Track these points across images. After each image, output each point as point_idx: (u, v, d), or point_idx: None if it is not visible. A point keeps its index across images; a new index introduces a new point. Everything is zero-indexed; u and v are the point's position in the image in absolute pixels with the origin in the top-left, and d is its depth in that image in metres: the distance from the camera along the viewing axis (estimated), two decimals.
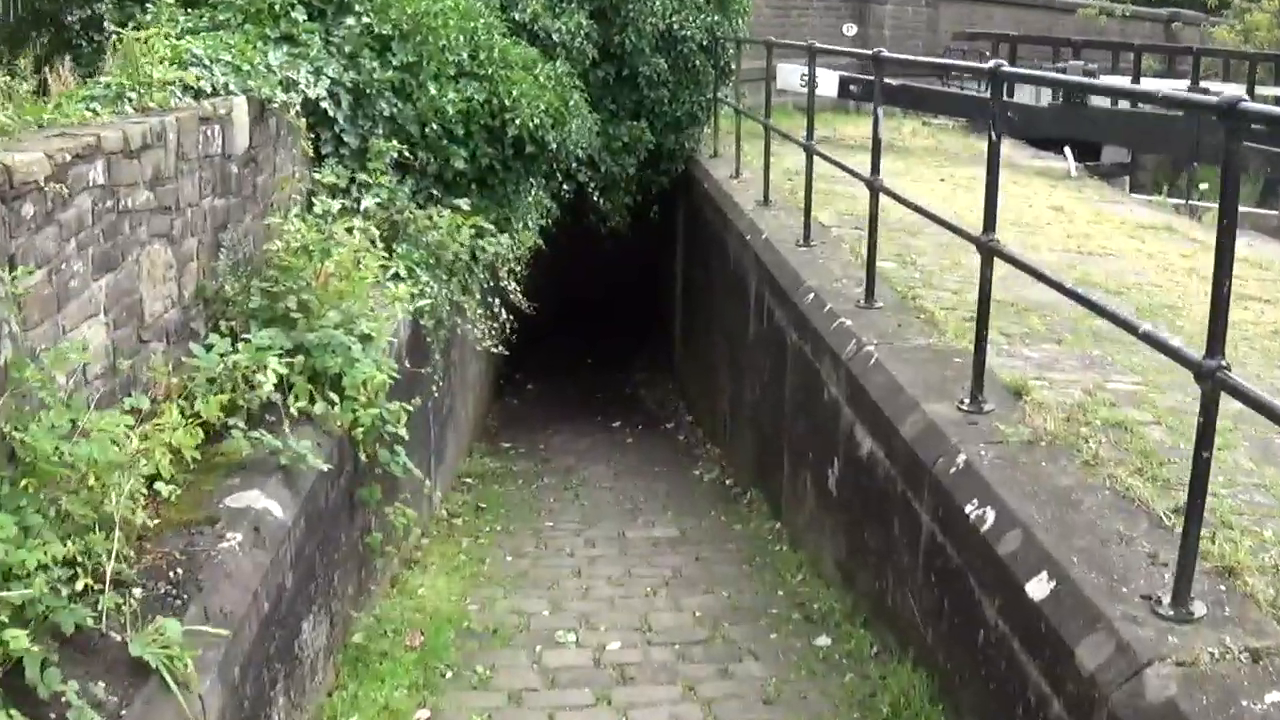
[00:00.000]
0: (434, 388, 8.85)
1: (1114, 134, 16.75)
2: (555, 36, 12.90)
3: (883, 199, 7.82)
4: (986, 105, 15.09)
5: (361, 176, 8.35)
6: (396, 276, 8.28)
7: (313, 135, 8.08)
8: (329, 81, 8.04)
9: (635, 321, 19.53)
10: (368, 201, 7.77)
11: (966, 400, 6.13)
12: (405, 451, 6.63)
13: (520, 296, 11.08)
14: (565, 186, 13.53)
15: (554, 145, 10.63)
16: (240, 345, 5.50)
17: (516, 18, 12.41)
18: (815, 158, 9.88)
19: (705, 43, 14.96)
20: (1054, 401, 6.15)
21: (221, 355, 5.30)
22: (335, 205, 6.96)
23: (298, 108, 7.48)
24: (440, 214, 9.00)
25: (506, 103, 10.13)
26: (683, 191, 15.54)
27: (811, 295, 8.47)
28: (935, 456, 5.70)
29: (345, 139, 8.30)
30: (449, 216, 8.90)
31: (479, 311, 9.59)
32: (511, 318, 10.22)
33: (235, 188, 6.54)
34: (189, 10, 7.97)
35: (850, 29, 22.35)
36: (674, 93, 14.88)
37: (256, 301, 6.13)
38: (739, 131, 13.70)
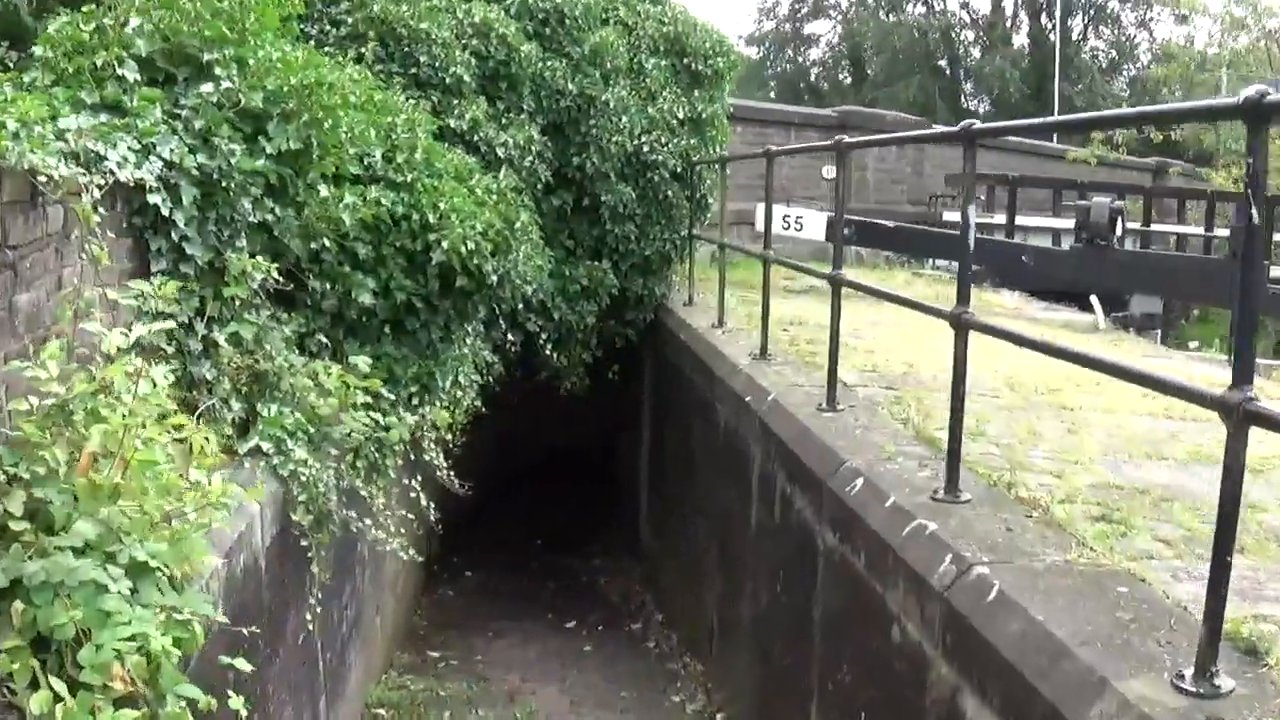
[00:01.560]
0: (311, 611, 6.07)
1: (1146, 281, 14.37)
2: (500, 152, 10.43)
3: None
4: (998, 250, 12.01)
5: (212, 305, 5.70)
6: (257, 452, 5.61)
7: (137, 237, 5.45)
8: (161, 165, 5.41)
9: (592, 494, 16.77)
10: (145, 329, 4.90)
11: (1188, 671, 3.49)
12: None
13: (449, 476, 8.44)
14: (510, 336, 10.96)
15: (494, 278, 8.03)
16: None
17: (452, 125, 9.91)
18: (822, 297, 7.32)
19: (679, 170, 12.57)
20: None
21: None
22: (121, 339, 4.16)
23: (96, 196, 4.81)
24: (329, 370, 6.35)
25: (431, 218, 7.57)
26: (651, 345, 12.98)
27: (860, 482, 5.81)
28: None
29: (188, 249, 5.62)
30: (336, 375, 6.27)
31: (385, 501, 6.90)
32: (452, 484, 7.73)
33: None
34: None
35: (830, 171, 20.14)
36: (642, 228, 12.45)
37: None
38: (723, 272, 11.18)
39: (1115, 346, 12.13)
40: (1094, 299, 15.02)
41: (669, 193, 12.54)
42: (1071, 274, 15.30)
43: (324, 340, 7.21)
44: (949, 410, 5.47)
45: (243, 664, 4.06)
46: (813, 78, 61.29)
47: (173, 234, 5.54)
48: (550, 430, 17.67)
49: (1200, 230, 21.51)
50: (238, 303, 5.87)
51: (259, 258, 5.99)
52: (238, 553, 4.76)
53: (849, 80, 58.85)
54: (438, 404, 7.99)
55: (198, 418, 5.30)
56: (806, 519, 6.49)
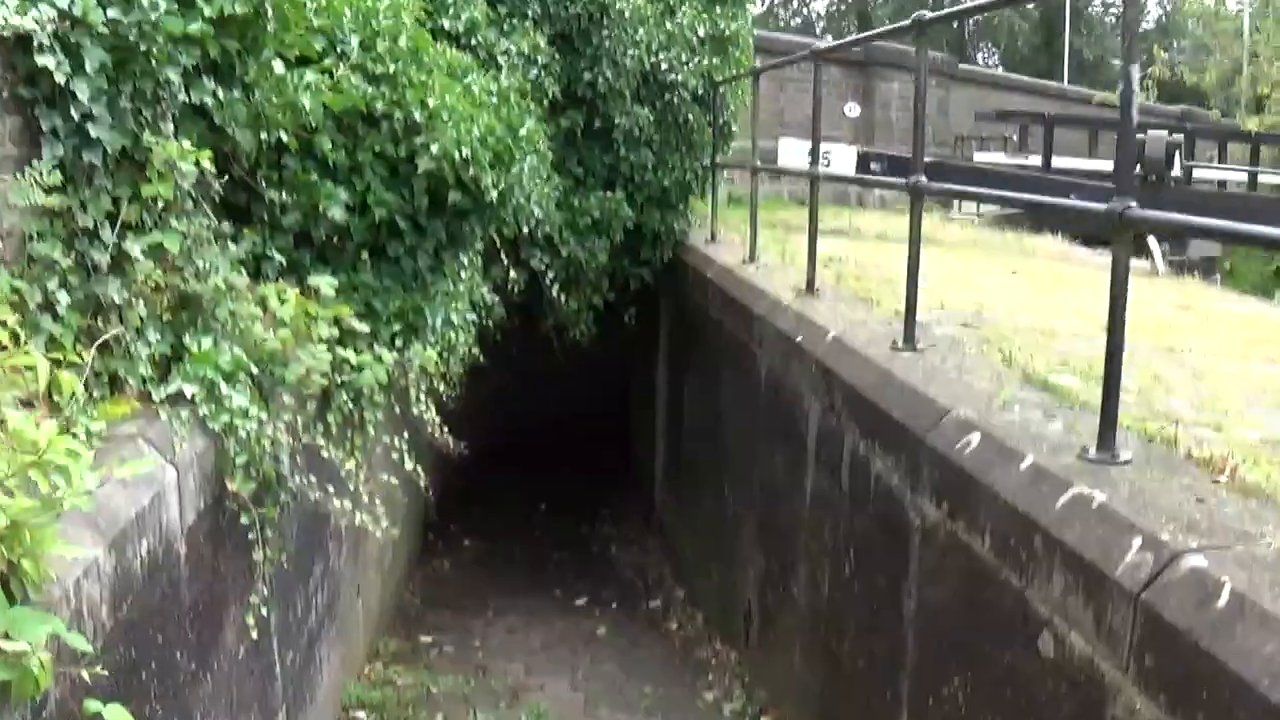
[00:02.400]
0: (255, 609, 4.67)
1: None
2: (502, 60, 8.96)
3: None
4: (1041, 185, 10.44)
5: (128, 208, 4.29)
6: (180, 398, 4.21)
7: (27, 114, 4.03)
8: (54, 14, 3.97)
9: (602, 455, 15.38)
10: None
11: None
12: None
13: (442, 432, 7.10)
14: (513, 274, 9.56)
15: (494, 194, 6.61)
16: None
17: (446, 26, 8.43)
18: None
19: (700, 92, 11.11)
20: None
21: None
22: None
23: None
24: (283, 295, 4.96)
25: (417, 117, 6.14)
26: (669, 289, 11.56)
27: (975, 437, 4.40)
28: None
29: (93, 131, 4.17)
30: (294, 301, 4.88)
31: (360, 463, 5.55)
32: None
33: None
34: None
35: (853, 109, 18.69)
36: (660, 155, 11.00)
37: None
38: (755, 199, 9.74)
39: (1182, 291, 10.71)
40: (1152, 241, 13.58)
41: (689, 116, 11.08)
42: None
43: (283, 264, 5.81)
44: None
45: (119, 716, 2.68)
46: (818, 30, 59.57)
47: (73, 110, 4.10)
48: (555, 385, 16.26)
49: (1242, 173, 20.18)
50: (161, 205, 4.45)
51: (197, 148, 4.57)
52: (134, 539, 3.35)
53: (856, 33, 57.12)
54: (425, 346, 6.58)
55: (96, 353, 3.91)
56: (891, 486, 5.09)
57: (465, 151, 6.31)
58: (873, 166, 14.65)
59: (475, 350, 9.68)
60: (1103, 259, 14.09)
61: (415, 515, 11.37)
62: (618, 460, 14.97)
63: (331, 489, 5.26)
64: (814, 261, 7.71)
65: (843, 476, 5.79)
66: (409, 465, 6.72)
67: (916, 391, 5.07)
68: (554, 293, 10.21)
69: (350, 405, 5.99)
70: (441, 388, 8.67)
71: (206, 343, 4.43)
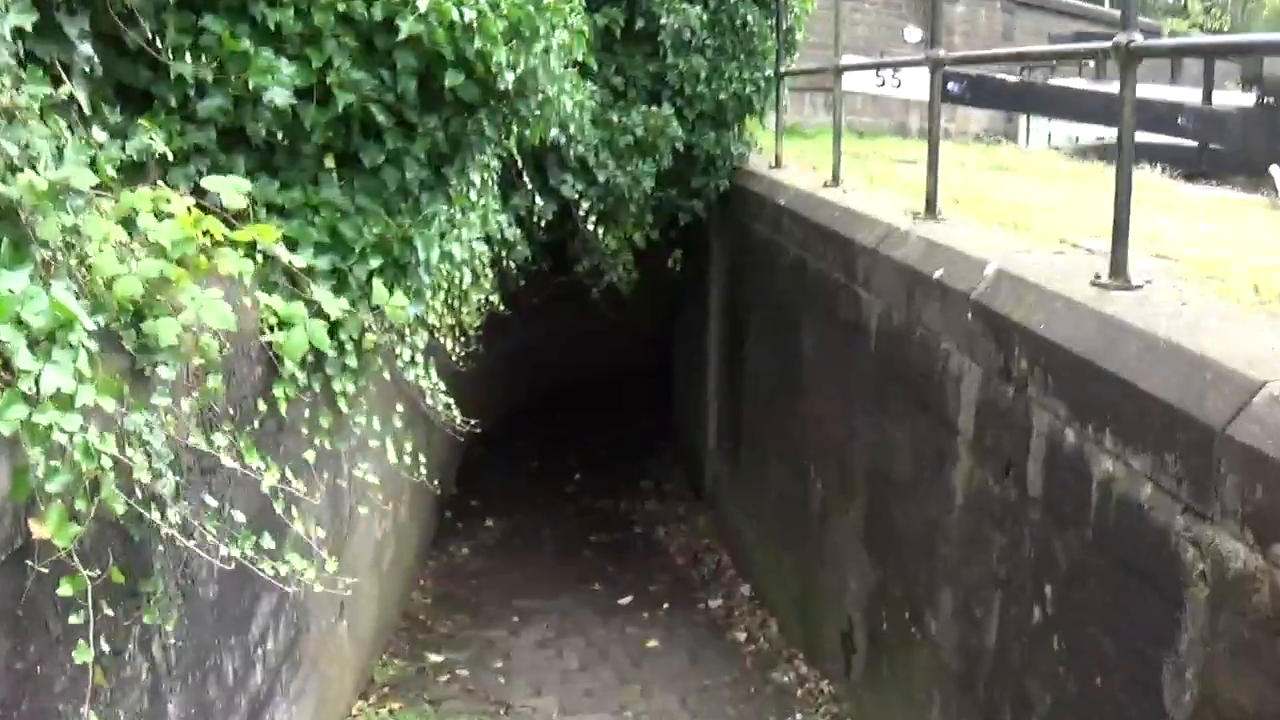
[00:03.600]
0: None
1: None
2: None
3: None
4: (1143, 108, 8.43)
5: None
6: None
7: None
8: None
9: (641, 420, 13.49)
10: None
11: None
12: None
13: (448, 404, 5.30)
14: (539, 204, 7.69)
15: (508, 81, 4.68)
16: None
17: None
18: None
19: None
20: None
21: None
22: None
23: None
24: (165, 203, 3.06)
25: None
26: (725, 224, 9.62)
27: None
28: None
29: None
30: (185, 219, 3.00)
31: (286, 470, 3.68)
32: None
33: None
34: None
35: (913, 33, 16.61)
36: (714, 64, 9.00)
37: None
38: (839, 108, 7.79)
39: None
40: (1275, 170, 11.52)
41: (748, 18, 9.08)
42: (1240, 141, 11.98)
43: (201, 172, 3.93)
44: None
45: None
46: None
47: None
48: (588, 340, 14.41)
49: None
50: None
51: None
52: None
53: None
54: (412, 290, 4.72)
55: None
56: (1139, 502, 3.17)
57: (467, 14, 4.38)
58: (951, 87, 12.64)
59: (494, 298, 7.81)
60: (1208, 193, 11.98)
61: (427, 494, 9.54)
62: (659, 424, 13.07)
63: (244, 517, 3.37)
64: (935, 173, 5.76)
65: (1029, 475, 3.86)
66: (394, 457, 4.88)
67: (1182, 350, 3.13)
68: (589, 227, 8.29)
69: (300, 375, 4.13)
70: (449, 345, 6.82)
71: (15, 280, 2.54)
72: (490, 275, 7.60)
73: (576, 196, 8.23)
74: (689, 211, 9.37)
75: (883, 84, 12.42)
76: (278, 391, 4.19)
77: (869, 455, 5.63)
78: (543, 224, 8.14)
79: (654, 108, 8.69)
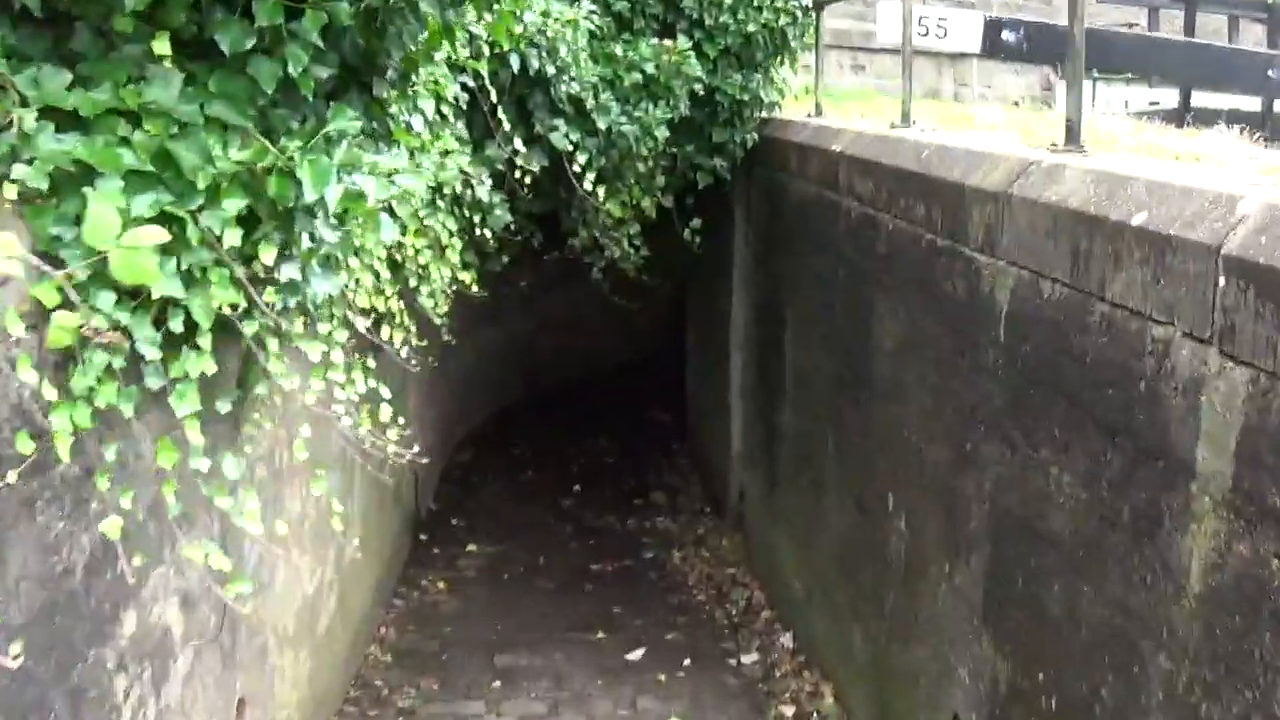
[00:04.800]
0: None
1: None
2: None
3: None
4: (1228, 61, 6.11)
5: None
6: None
7: None
8: None
9: (649, 422, 11.72)
10: None
11: None
12: None
13: (377, 435, 3.45)
14: (521, 151, 5.93)
15: None
16: None
17: None
18: None
19: None
20: None
21: None
22: None
23: None
24: None
25: None
26: (752, 186, 7.83)
27: None
28: None
29: None
30: None
31: None
32: None
33: None
34: None
35: None
36: None
37: None
38: (908, 26, 5.98)
39: None
40: None
41: None
42: None
43: None
44: None
45: None
46: None
47: None
48: (587, 330, 12.64)
49: None
50: None
51: None
52: None
53: None
54: (310, 255, 2.94)
55: None
56: None
57: None
58: (1005, 36, 10.83)
59: (465, 277, 6.03)
60: None
61: (396, 515, 7.77)
62: (671, 423, 11.30)
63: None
64: (1080, 88, 3.96)
65: None
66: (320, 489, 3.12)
67: None
68: (587, 187, 6.49)
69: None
70: (398, 340, 5.03)
71: None
72: (459, 247, 5.81)
73: (570, 148, 6.43)
74: (709, 172, 7.56)
75: (926, 33, 10.57)
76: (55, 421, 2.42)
77: (997, 494, 3.83)
78: (528, 184, 6.36)
79: (667, 41, 6.90)
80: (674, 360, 11.33)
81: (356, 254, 4.02)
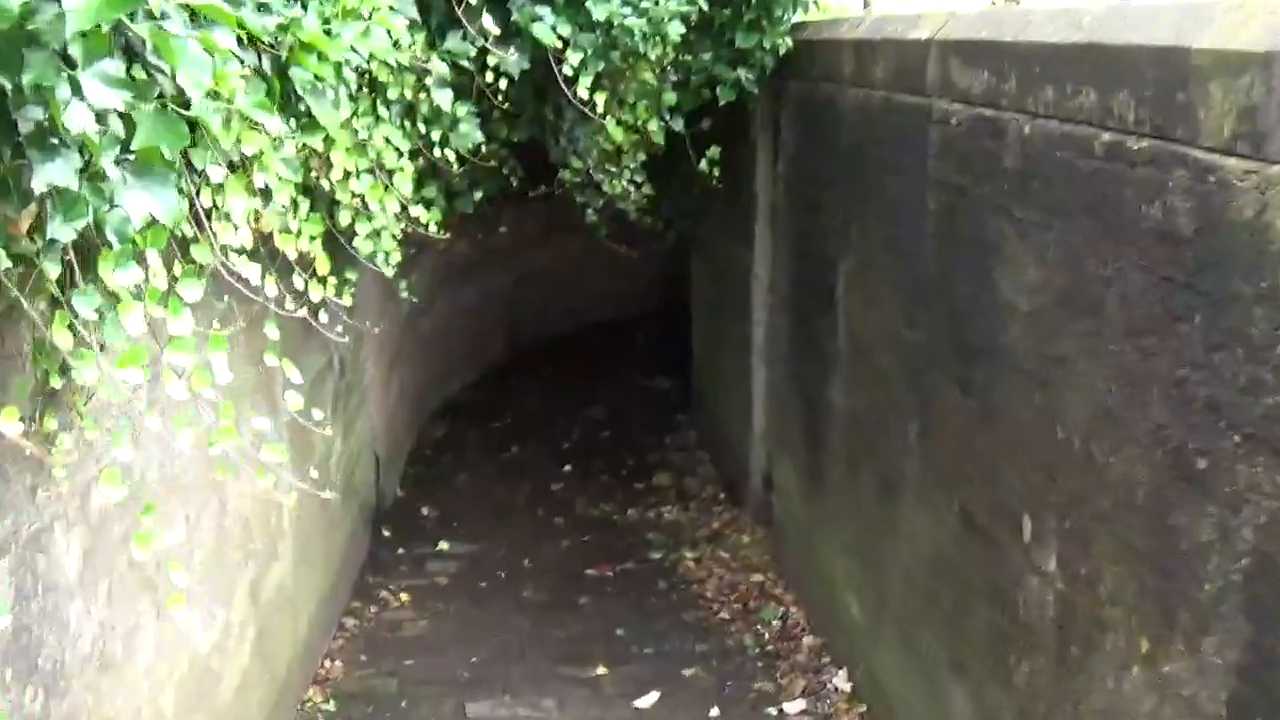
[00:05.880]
0: None
1: None
2: None
3: None
4: None
5: None
6: None
7: None
8: None
9: (652, 376, 10.25)
10: None
11: None
12: None
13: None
14: (493, 28, 4.32)
15: None
16: None
17: None
18: None
19: None
20: None
21: None
22: None
23: None
24: None
25: None
26: (784, 104, 6.28)
27: None
28: None
29: None
30: None
31: None
32: None
33: None
34: None
35: None
36: None
37: None
38: None
39: None
40: None
41: None
42: None
43: None
44: None
45: None
46: None
47: None
48: (577, 283, 11.13)
49: None
50: None
51: None
52: None
53: None
54: None
55: None
56: None
57: None
58: None
59: (422, 214, 4.49)
60: None
61: (348, 511, 6.28)
62: (675, 388, 9.80)
63: None
64: None
65: None
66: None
67: None
68: (582, 95, 4.91)
69: None
70: (307, 292, 3.47)
71: None
72: (410, 173, 4.26)
73: (559, 45, 4.85)
74: (731, 86, 5.97)
75: None
76: None
77: (1264, 544, 2.31)
78: (505, 93, 4.79)
79: None
80: (676, 319, 9.80)
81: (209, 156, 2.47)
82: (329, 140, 3.62)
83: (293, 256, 3.36)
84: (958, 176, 3.83)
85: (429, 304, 8.97)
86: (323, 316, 3.63)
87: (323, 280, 3.45)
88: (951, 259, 3.92)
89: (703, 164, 6.20)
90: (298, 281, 3.41)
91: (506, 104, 5.27)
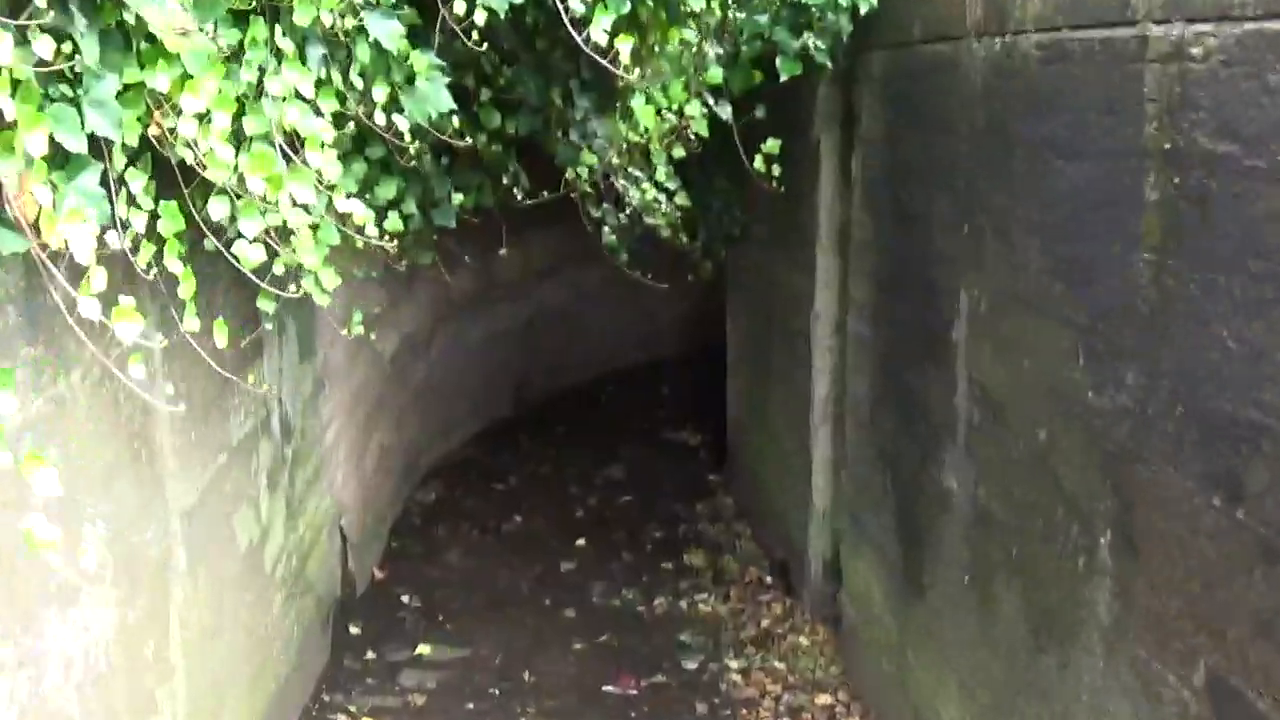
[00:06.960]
0: None
1: None
2: None
3: None
4: None
5: None
6: None
7: None
8: None
9: (677, 430, 8.79)
10: None
11: None
12: None
13: None
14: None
15: None
16: None
17: None
18: None
19: None
20: None
21: None
22: None
23: None
24: None
25: None
26: (862, 87, 4.82)
27: None
28: None
29: None
30: None
31: None
32: None
33: None
34: None
35: None
36: None
37: None
38: None
39: None
40: None
41: None
42: None
43: None
44: None
45: None
46: None
47: None
48: (594, 323, 9.70)
49: None
50: None
51: None
52: None
53: None
54: None
55: None
56: None
57: None
58: None
59: (358, 211, 2.99)
60: None
61: (297, 613, 4.79)
62: (703, 448, 8.32)
63: None
64: None
65: None
66: None
67: None
68: (598, 39, 3.38)
69: None
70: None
71: None
72: (332, 139, 2.78)
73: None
74: (794, 59, 4.50)
75: None
76: None
77: None
78: (482, 31, 3.31)
79: None
80: (706, 363, 8.32)
81: None
82: (184, 77, 2.16)
83: (88, 261, 1.89)
84: (1211, 142, 2.33)
85: (425, 346, 7.52)
86: (268, 361, 2.17)
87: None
88: (1188, 281, 2.41)
89: (757, 161, 4.70)
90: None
91: (496, 79, 3.86)
